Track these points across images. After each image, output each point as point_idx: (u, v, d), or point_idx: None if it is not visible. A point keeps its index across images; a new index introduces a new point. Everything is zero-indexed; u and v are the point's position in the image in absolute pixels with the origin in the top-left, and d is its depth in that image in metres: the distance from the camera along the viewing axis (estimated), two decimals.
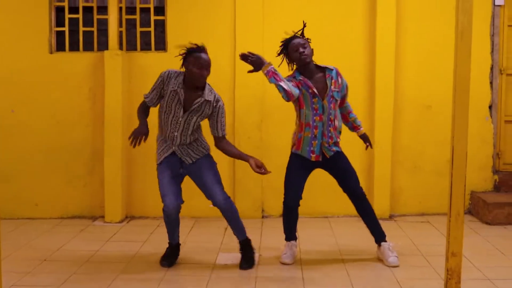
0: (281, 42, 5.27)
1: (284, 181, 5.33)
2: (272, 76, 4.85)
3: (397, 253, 5.37)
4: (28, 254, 5.58)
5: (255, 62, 4.94)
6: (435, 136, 7.13)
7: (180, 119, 4.94)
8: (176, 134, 4.99)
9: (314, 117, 5.10)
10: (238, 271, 5.12)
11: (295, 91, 4.93)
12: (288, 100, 4.94)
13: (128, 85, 7.01)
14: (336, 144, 5.22)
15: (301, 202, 5.31)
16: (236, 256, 5.37)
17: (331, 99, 5.10)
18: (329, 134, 5.15)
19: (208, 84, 5.01)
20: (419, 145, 7.18)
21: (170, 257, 5.28)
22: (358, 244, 5.85)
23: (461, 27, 3.98)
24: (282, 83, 4.85)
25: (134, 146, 4.93)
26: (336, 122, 5.20)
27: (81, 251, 5.69)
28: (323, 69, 5.17)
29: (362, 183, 6.89)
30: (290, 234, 5.45)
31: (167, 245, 5.38)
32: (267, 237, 6.23)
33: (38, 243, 6.01)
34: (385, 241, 5.35)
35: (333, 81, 5.12)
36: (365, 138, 5.53)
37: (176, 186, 5.08)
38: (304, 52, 5.04)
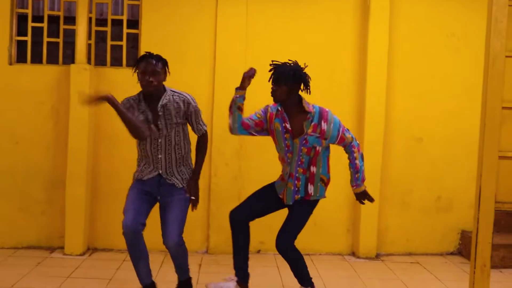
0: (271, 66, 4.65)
1: None
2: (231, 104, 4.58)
3: None
4: None
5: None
6: (425, 171, 6.72)
7: (159, 139, 4.39)
8: (160, 156, 4.44)
9: (287, 154, 4.56)
10: None
11: (235, 126, 4.58)
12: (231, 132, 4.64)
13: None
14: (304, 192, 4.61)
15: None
16: None
17: (304, 142, 4.48)
18: (296, 175, 4.57)
19: (171, 90, 4.48)
20: (408, 180, 6.73)
21: None
22: (340, 285, 5.30)
23: (493, 53, 3.47)
24: (230, 117, 4.58)
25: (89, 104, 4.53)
26: (313, 169, 4.60)
27: None
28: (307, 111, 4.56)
29: (347, 218, 6.47)
30: (236, 265, 4.76)
31: (135, 284, 4.68)
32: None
33: None
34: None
35: (312, 124, 4.49)
36: (359, 196, 4.76)
37: (143, 204, 4.42)
38: (273, 91, 4.56)
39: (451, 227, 6.76)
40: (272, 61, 4.64)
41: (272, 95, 4.56)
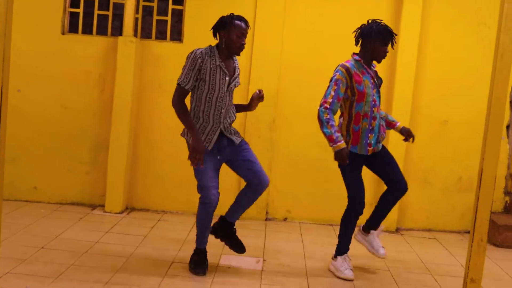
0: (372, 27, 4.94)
1: (345, 185, 5.07)
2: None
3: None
4: (25, 240, 5.40)
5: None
6: (448, 153, 6.98)
7: (226, 92, 4.72)
8: (223, 110, 4.74)
9: (373, 108, 4.88)
10: (241, 274, 4.96)
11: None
12: None
13: (140, 74, 6.82)
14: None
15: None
16: (239, 259, 5.26)
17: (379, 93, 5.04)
18: (382, 127, 5.05)
19: None
20: (431, 161, 7.02)
21: (203, 265, 4.89)
22: (363, 255, 5.66)
23: (502, 47, 3.77)
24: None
25: (197, 167, 4.61)
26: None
27: (80, 241, 5.51)
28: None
29: (372, 194, 6.80)
30: (348, 245, 5.18)
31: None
32: (271, 241, 6.09)
33: (36, 229, 5.83)
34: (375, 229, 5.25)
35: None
36: (405, 131, 5.29)
37: (217, 176, 4.78)
38: (387, 53, 4.97)
39: (470, 207, 6.98)
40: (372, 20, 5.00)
41: (383, 58, 4.97)
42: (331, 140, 4.70)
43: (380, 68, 6.83)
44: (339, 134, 4.72)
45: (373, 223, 5.25)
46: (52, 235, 5.62)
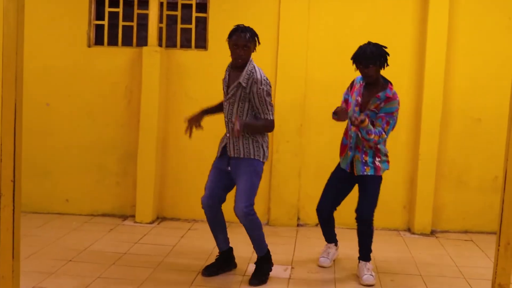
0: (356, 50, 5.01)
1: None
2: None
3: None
4: (54, 253, 5.45)
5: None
6: (483, 151, 6.79)
7: (226, 101, 4.80)
8: (228, 120, 4.84)
9: (351, 126, 4.97)
10: (268, 282, 4.89)
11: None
12: None
13: (166, 83, 6.83)
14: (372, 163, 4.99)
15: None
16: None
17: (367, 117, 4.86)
18: (364, 150, 4.97)
19: (253, 66, 4.74)
20: (466, 159, 6.84)
21: (212, 267, 5.03)
22: (389, 259, 5.55)
23: None
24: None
25: (190, 136, 4.92)
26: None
27: (108, 253, 5.53)
28: (383, 88, 4.91)
29: (404, 196, 6.68)
30: (326, 237, 5.50)
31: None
32: (301, 248, 6.00)
33: (66, 241, 5.88)
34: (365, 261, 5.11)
35: (377, 102, 4.87)
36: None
37: (216, 183, 4.86)
38: (367, 73, 4.87)
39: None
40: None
41: (367, 76, 4.89)
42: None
43: (409, 66, 6.72)
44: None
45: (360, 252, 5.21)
46: (81, 248, 5.65)
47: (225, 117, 4.86)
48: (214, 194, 4.86)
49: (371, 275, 4.95)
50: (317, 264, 5.37)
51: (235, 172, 4.81)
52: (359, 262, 5.12)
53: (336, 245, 5.53)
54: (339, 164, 5.21)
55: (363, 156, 4.96)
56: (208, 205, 4.87)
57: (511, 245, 3.72)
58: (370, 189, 5.03)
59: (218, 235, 5.04)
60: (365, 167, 4.96)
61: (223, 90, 4.87)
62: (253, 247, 4.97)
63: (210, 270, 5.00)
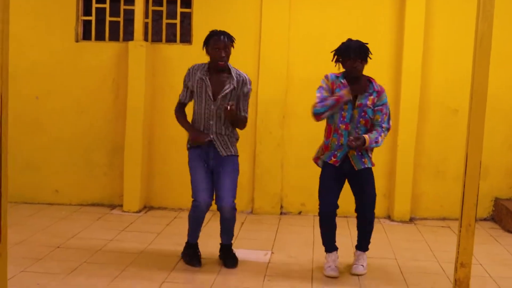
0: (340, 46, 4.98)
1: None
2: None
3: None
4: (42, 240, 5.64)
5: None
6: (460, 141, 6.92)
7: (212, 106, 4.90)
8: (211, 122, 4.94)
9: (340, 124, 4.86)
10: (247, 266, 5.09)
11: (325, 116, 4.82)
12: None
13: (151, 77, 7.03)
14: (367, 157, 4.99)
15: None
16: (248, 252, 5.44)
17: (363, 113, 4.87)
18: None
19: (234, 68, 4.98)
20: (443, 150, 7.05)
21: (196, 257, 5.13)
22: (372, 246, 5.75)
23: (481, 34, 3.88)
24: (326, 109, 4.77)
25: (207, 138, 4.88)
26: None
27: (95, 239, 5.74)
28: (371, 85, 4.91)
29: (384, 185, 6.87)
30: (330, 244, 5.10)
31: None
32: (282, 235, 6.21)
33: (54, 229, 6.08)
34: (363, 251, 5.20)
35: (370, 97, 4.87)
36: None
37: (208, 182, 4.96)
38: (356, 67, 4.80)
39: (485, 195, 6.98)
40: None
41: (354, 70, 4.81)
42: (335, 100, 4.74)
43: (385, 57, 6.91)
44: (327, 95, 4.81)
45: (359, 241, 5.25)
46: (69, 235, 5.86)
47: (207, 118, 4.93)
48: (211, 192, 4.96)
49: (362, 265, 5.09)
50: (325, 275, 5.00)
51: (220, 169, 4.96)
52: (356, 250, 5.20)
53: (337, 251, 5.17)
54: (325, 162, 4.98)
55: (358, 150, 4.88)
56: (208, 205, 4.92)
57: (472, 227, 3.94)
58: (370, 182, 5.04)
59: (198, 229, 5.13)
60: (363, 160, 4.94)
61: (199, 92, 4.91)
62: (224, 237, 5.16)
63: (198, 260, 5.10)
